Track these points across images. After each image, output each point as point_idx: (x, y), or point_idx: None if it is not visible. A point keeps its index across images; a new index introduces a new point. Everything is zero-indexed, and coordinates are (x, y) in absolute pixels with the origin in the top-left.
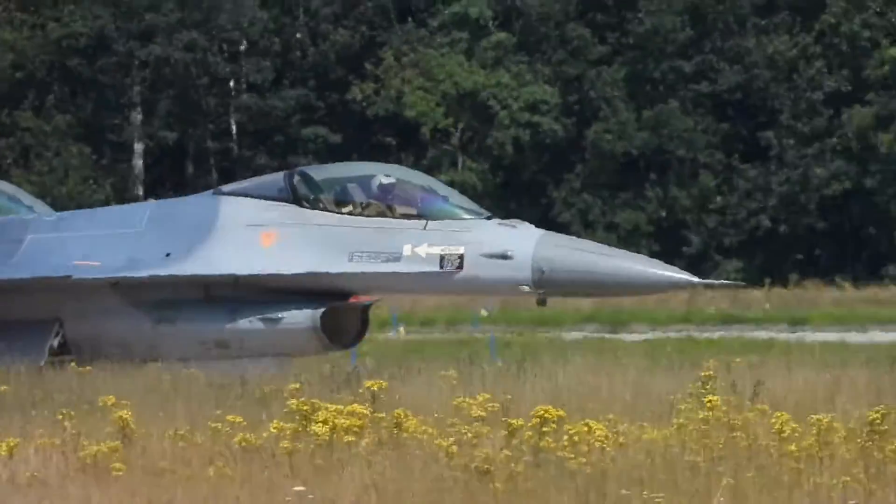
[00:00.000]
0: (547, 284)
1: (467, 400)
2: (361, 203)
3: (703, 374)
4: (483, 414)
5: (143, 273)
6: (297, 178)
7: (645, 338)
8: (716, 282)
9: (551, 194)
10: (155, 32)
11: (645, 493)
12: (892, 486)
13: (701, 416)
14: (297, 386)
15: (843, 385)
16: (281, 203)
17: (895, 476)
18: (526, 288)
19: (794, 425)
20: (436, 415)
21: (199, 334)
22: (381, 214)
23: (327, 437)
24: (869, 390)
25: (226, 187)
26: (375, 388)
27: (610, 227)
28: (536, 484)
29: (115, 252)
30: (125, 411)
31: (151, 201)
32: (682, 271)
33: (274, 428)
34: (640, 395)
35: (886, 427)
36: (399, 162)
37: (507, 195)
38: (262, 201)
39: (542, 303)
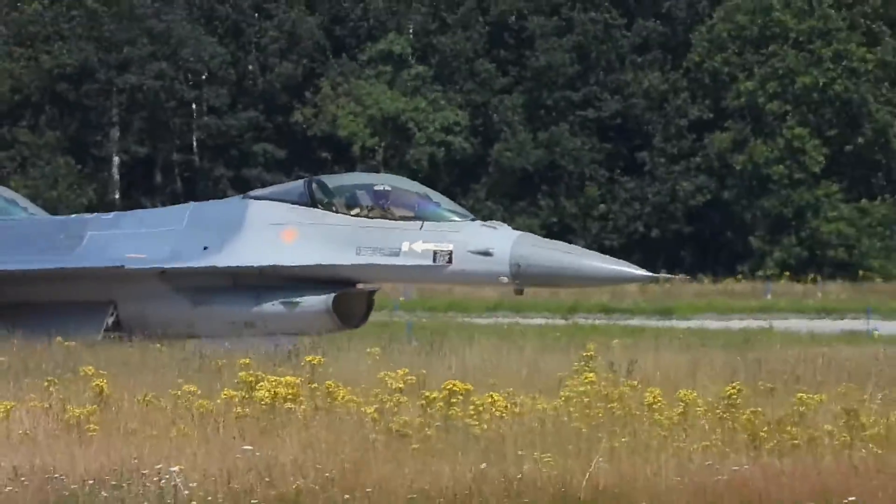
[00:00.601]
0: (522, 277)
1: (389, 374)
2: (367, 207)
3: (585, 354)
4: (402, 386)
5: (185, 264)
6: (314, 186)
7: (539, 323)
8: (659, 275)
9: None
10: (131, 63)
11: (536, 454)
12: (744, 450)
13: (583, 389)
14: (247, 360)
15: (703, 364)
16: (300, 206)
17: (745, 442)
18: (505, 279)
19: (661, 398)
20: (362, 386)
21: (229, 316)
22: (383, 216)
23: (270, 404)
24: (725, 369)
25: (253, 192)
26: (314, 362)
27: None
28: (446, 446)
29: (161, 246)
30: (102, 380)
31: (192, 203)
32: (639, 268)
33: (225, 395)
34: (534, 372)
35: (740, 401)
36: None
37: None
38: (285, 204)
39: (519, 292)
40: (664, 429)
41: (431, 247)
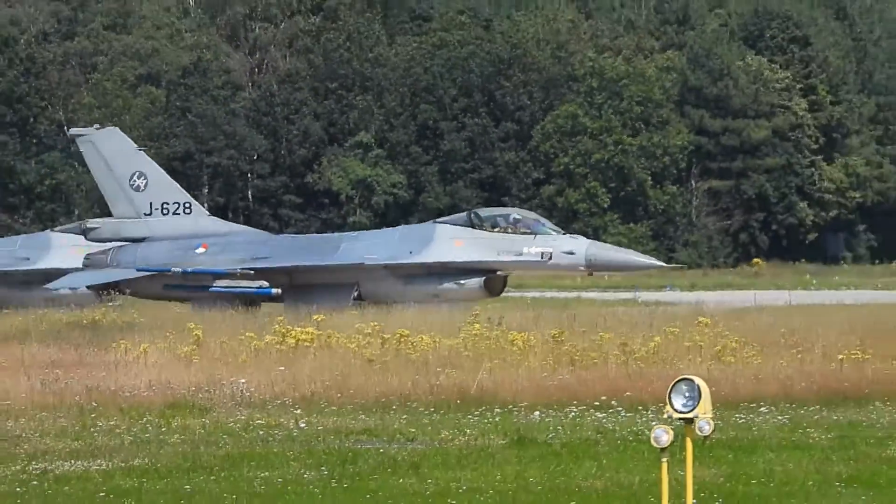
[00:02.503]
0: (592, 266)
1: (363, 324)
2: (503, 227)
3: (474, 313)
4: (370, 332)
5: (398, 261)
6: (472, 215)
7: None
8: (666, 265)
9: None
10: (214, 151)
11: (446, 370)
12: (566, 366)
13: (473, 333)
14: (281, 318)
15: (542, 318)
16: (465, 227)
17: (566, 362)
18: (582, 268)
19: (517, 336)
20: (348, 332)
21: (424, 291)
22: (513, 233)
23: (295, 344)
24: (555, 320)
25: (439, 220)
26: (319, 319)
27: None
28: (397, 366)
29: (384, 251)
30: (199, 330)
31: (402, 226)
32: (656, 259)
33: (268, 339)
34: (446, 324)
35: (563, 339)
36: None
37: None
38: (456, 226)
39: (590, 275)
40: (519, 355)
41: (540, 250)
